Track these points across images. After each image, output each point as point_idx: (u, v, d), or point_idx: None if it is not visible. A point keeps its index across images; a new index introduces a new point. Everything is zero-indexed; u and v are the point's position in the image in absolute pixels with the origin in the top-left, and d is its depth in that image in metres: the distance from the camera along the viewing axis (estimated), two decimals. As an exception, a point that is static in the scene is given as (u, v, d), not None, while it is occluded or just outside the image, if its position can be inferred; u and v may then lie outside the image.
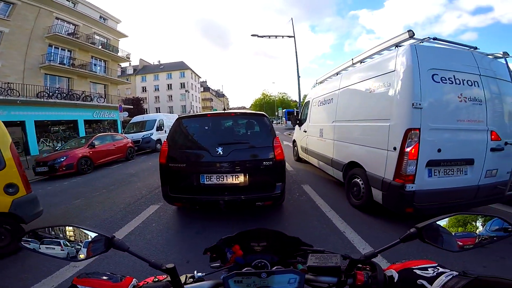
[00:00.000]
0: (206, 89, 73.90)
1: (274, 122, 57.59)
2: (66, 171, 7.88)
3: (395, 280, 0.61)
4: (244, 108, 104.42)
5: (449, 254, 0.71)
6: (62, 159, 7.94)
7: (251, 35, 16.42)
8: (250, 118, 3.95)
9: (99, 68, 22.43)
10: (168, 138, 3.53)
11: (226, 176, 3.24)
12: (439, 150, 2.85)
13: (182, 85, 50.41)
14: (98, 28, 22.20)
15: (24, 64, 15.96)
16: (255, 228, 0.76)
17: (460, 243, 0.67)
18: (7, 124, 14.74)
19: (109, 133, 13.31)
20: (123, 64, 34.06)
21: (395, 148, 2.96)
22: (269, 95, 71.53)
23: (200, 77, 63.76)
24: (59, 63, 18.01)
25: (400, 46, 3.26)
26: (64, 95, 18.10)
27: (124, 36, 25.43)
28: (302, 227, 3.25)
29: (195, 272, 0.71)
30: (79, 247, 0.68)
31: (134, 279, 0.68)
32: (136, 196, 5.04)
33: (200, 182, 3.29)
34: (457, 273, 0.57)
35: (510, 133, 3.09)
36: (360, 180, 3.71)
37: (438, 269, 0.61)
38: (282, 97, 71.43)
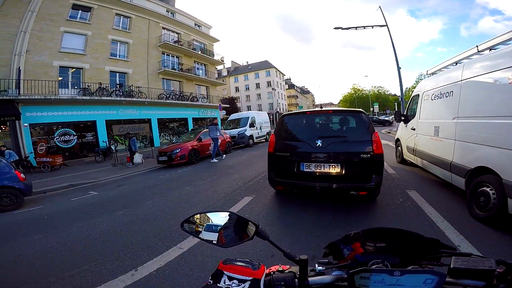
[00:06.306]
0: (291, 86, 74.16)
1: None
2: (180, 161, 9.66)
3: None
4: (331, 104, 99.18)
5: None
6: (177, 151, 9.76)
7: (334, 28, 15.34)
8: (348, 115, 4.16)
9: (201, 71, 25.95)
10: (275, 132, 4.18)
11: (324, 165, 3.61)
12: None
13: (268, 84, 52.70)
14: (196, 35, 25.56)
15: (147, 70, 19.94)
16: (383, 227, 0.72)
17: None
18: (139, 121, 18.26)
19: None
20: (219, 67, 37.90)
21: None
22: (361, 89, 63.62)
23: (284, 75, 64.62)
24: (171, 69, 21.77)
25: None
26: (177, 96, 21.85)
27: (217, 40, 28.36)
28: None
29: (316, 265, 0.73)
30: (229, 232, 0.79)
31: (265, 267, 0.71)
32: (233, 187, 5.59)
33: (300, 170, 3.73)
34: None
35: None
36: (490, 189, 2.93)
37: None
38: (378, 91, 62.36)
